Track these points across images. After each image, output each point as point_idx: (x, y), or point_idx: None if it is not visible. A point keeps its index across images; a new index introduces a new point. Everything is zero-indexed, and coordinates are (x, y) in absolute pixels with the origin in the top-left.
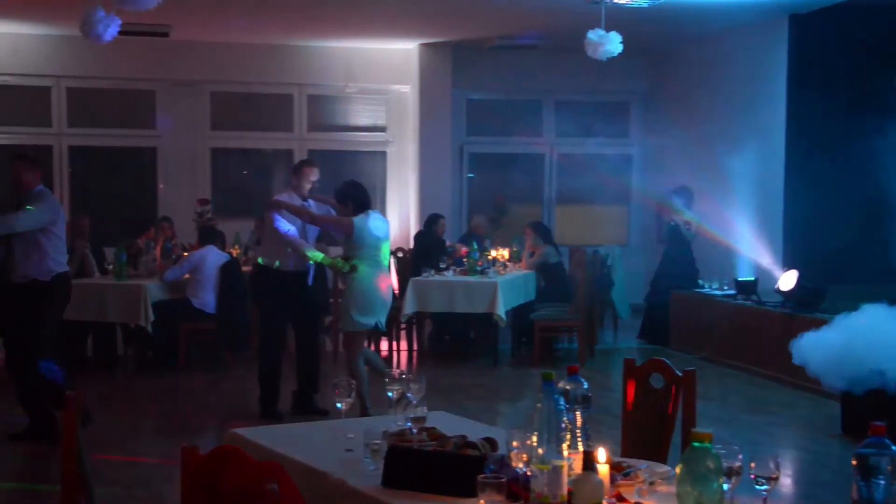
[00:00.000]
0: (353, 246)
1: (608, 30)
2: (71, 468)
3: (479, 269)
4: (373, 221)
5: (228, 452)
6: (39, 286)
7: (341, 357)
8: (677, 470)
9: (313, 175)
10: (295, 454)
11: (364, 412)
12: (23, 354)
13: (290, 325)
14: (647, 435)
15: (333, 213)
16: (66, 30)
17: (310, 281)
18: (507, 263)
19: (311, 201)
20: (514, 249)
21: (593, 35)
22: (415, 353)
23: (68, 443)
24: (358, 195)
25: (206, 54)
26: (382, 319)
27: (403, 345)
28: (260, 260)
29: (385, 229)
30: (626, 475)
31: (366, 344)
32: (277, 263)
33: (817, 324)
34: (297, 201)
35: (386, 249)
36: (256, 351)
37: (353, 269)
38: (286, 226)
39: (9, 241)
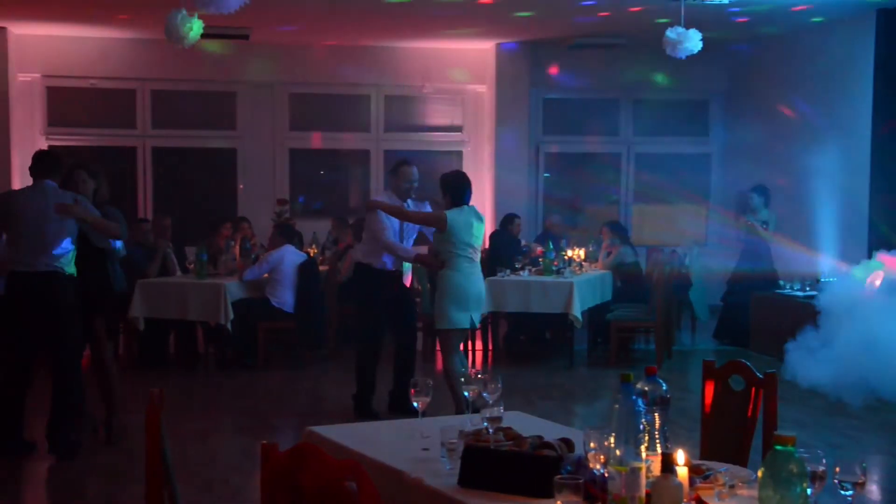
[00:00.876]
0: (445, 241)
1: (688, 27)
2: (155, 464)
3: (554, 268)
4: (465, 217)
5: (307, 450)
6: None
7: (428, 353)
8: (759, 473)
9: (411, 175)
10: (372, 453)
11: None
12: None
13: (387, 324)
14: (727, 437)
15: (430, 210)
16: (151, 34)
17: (406, 282)
18: (584, 263)
19: (409, 201)
20: (591, 249)
21: (672, 33)
22: (490, 353)
23: (153, 439)
24: (457, 187)
25: (286, 56)
26: (477, 316)
27: (479, 344)
28: (359, 258)
29: (480, 226)
30: (705, 478)
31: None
32: (371, 261)
33: None
34: (395, 202)
35: (479, 245)
36: (355, 349)
37: (442, 264)
38: (387, 231)
39: None
